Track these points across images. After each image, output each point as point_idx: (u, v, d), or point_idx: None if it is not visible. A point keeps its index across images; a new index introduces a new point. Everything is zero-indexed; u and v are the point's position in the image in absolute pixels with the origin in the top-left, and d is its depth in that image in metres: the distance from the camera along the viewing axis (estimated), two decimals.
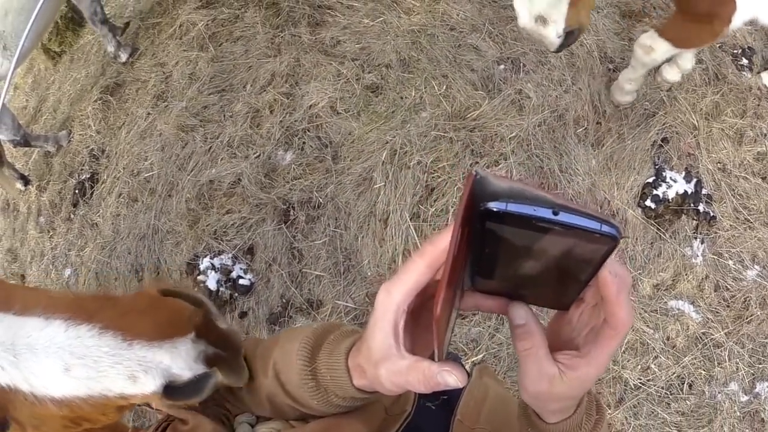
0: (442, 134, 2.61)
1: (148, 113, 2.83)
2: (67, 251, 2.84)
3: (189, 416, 0.75)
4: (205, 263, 2.46)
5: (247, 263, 2.44)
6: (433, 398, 0.90)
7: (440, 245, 0.50)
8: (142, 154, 2.75)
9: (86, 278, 2.73)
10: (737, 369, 2.38)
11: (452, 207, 2.49)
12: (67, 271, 2.81)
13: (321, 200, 2.46)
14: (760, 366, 2.39)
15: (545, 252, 0.42)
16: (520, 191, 0.41)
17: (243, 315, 2.41)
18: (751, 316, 2.40)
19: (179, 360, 0.66)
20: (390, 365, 0.54)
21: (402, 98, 2.68)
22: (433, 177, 2.53)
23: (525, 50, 2.93)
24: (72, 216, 2.87)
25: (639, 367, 2.29)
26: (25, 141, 2.93)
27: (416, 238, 2.44)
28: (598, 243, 0.40)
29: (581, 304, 0.53)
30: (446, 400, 0.91)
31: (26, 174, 3.17)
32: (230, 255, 2.46)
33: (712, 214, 2.52)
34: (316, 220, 2.44)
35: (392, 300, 0.53)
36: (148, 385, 0.65)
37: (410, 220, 2.46)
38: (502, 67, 2.89)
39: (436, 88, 2.73)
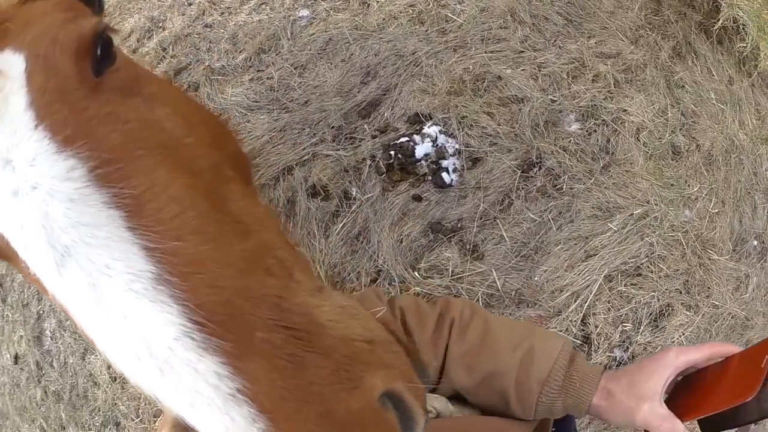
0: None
1: None
2: None
3: None
4: (431, 130, 2.25)
5: (462, 166, 2.23)
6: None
7: (727, 350, 0.77)
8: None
9: (315, 34, 2.49)
10: None
11: None
12: (304, 12, 2.57)
13: (563, 188, 2.25)
14: None
15: None
16: None
17: (418, 198, 2.20)
18: None
19: None
20: (653, 407, 0.74)
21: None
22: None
23: None
24: None
25: None
26: None
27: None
28: None
29: None
30: None
31: None
32: (457, 146, 2.24)
33: None
34: (547, 195, 2.24)
35: (677, 361, 0.76)
36: None
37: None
38: None
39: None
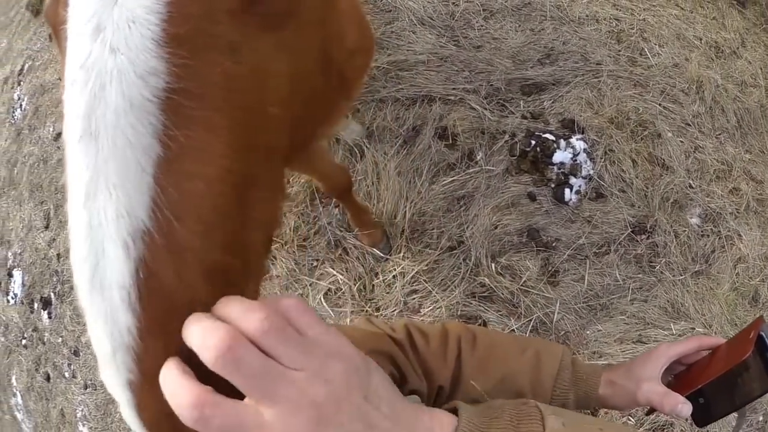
0: None
1: None
2: None
3: None
4: (578, 143, 2.14)
5: (586, 193, 2.13)
6: None
7: (711, 342, 0.85)
8: None
9: None
10: None
11: None
12: None
13: (656, 267, 2.18)
14: None
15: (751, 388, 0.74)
16: None
17: (532, 197, 2.09)
18: None
19: None
20: (652, 386, 0.80)
21: None
22: None
23: None
24: None
25: None
26: None
27: None
28: None
29: None
30: None
31: None
32: (591, 172, 2.14)
33: None
34: (640, 265, 2.16)
35: (669, 352, 0.84)
36: None
37: None
38: None
39: None
